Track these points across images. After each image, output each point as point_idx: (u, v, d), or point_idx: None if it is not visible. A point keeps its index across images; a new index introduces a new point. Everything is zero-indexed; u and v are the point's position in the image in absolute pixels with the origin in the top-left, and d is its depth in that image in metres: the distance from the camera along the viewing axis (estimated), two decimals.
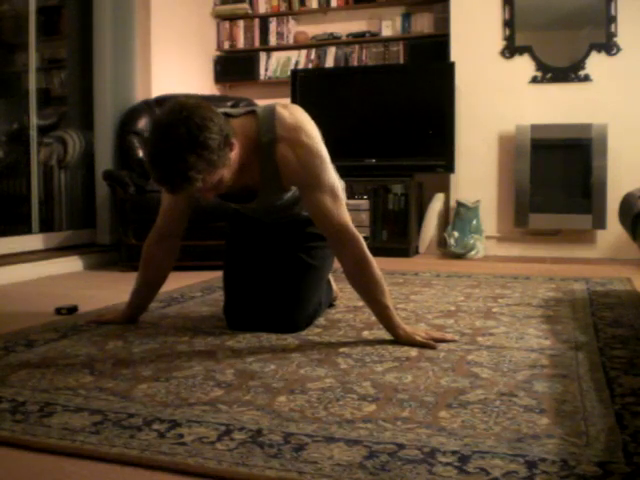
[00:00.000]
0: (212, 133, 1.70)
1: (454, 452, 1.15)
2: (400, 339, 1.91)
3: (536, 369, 1.66)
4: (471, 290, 2.88)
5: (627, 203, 2.56)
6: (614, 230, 3.95)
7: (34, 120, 3.94)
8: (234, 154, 1.81)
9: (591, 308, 2.45)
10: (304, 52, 5.02)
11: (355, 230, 1.91)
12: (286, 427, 1.27)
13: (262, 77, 5.09)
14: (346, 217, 1.91)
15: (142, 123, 3.94)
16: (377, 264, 1.91)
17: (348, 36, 4.92)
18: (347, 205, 2.01)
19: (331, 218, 1.89)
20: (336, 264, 2.12)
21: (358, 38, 4.90)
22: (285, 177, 1.92)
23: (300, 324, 2.11)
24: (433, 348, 1.86)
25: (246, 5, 5.13)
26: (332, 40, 4.95)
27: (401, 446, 1.17)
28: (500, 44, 4.37)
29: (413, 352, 1.83)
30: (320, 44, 4.99)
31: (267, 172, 1.92)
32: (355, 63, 4.87)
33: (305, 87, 4.60)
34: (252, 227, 2.24)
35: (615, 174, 4.10)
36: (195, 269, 3.45)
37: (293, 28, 5.11)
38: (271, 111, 1.91)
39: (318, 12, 5.02)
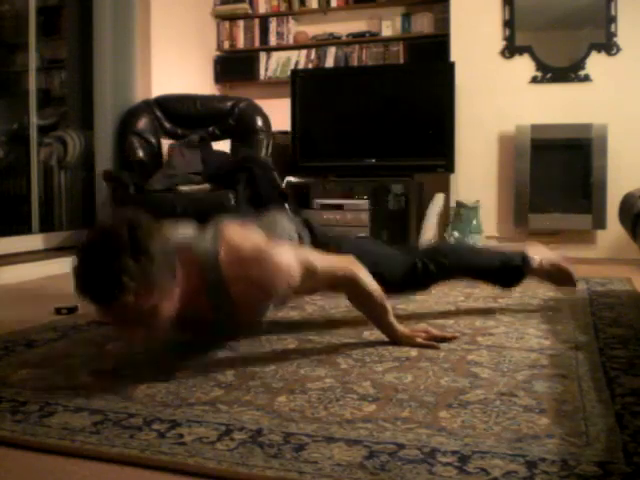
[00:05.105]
0: (157, 245, 1.45)
1: (454, 452, 1.15)
2: (402, 344, 1.90)
3: (536, 369, 1.66)
4: (471, 290, 2.87)
5: (627, 203, 2.56)
6: (614, 230, 3.94)
7: (34, 120, 3.94)
8: (176, 292, 1.53)
9: (591, 308, 2.45)
10: (304, 52, 5.02)
11: (344, 271, 1.79)
12: (286, 427, 1.27)
13: (262, 77, 5.09)
14: (328, 271, 1.77)
15: (142, 123, 3.94)
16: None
17: (348, 36, 4.92)
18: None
19: (318, 287, 1.89)
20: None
21: (358, 38, 4.90)
22: (246, 312, 1.72)
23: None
24: (436, 348, 1.86)
25: (246, 5, 5.12)
26: (332, 40, 4.95)
27: (401, 446, 1.17)
28: (500, 44, 4.36)
29: (413, 352, 1.83)
30: (320, 44, 4.99)
31: (221, 310, 1.68)
32: (355, 63, 4.87)
33: (305, 87, 4.59)
34: None
35: (615, 174, 4.09)
36: None
37: (293, 28, 5.10)
38: (212, 245, 1.65)
39: (318, 12, 5.02)
